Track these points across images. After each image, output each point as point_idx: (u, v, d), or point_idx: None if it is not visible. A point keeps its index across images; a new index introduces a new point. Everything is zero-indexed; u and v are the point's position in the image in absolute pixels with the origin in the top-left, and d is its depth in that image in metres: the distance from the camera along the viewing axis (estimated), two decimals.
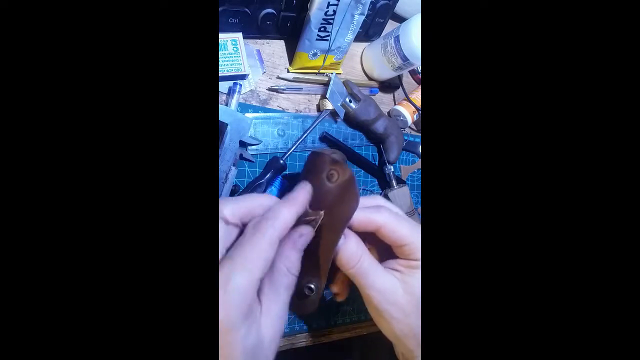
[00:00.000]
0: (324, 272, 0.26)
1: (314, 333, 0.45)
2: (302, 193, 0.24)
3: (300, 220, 0.25)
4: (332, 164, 0.25)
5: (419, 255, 0.24)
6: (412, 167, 0.54)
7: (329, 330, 0.46)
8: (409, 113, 0.50)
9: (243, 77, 0.40)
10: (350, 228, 0.25)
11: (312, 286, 0.26)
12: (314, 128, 0.43)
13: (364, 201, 0.27)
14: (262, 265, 0.20)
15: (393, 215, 0.25)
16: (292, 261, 0.22)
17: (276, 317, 0.20)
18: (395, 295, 0.24)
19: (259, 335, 0.19)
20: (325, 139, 0.45)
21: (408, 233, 0.25)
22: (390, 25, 0.50)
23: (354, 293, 0.48)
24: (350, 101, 0.44)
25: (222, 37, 0.38)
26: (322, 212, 0.24)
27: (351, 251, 0.24)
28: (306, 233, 0.23)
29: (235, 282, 0.18)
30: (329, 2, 0.36)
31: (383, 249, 0.27)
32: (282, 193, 0.41)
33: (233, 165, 0.37)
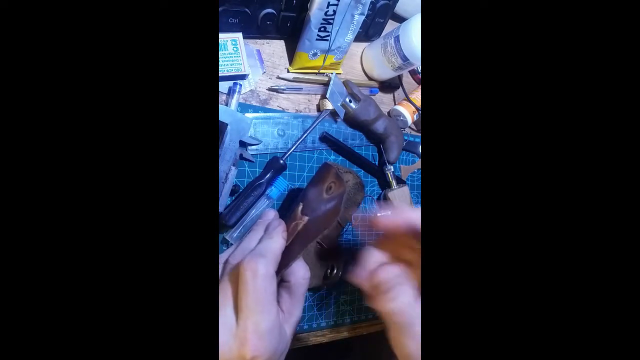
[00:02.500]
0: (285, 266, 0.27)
1: (315, 333, 0.45)
2: (281, 227, 0.28)
3: (288, 224, 0.27)
4: (334, 177, 0.26)
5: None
6: (412, 167, 0.54)
7: (329, 330, 0.46)
8: (409, 113, 0.50)
9: (243, 77, 0.40)
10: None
11: None
12: (314, 128, 0.43)
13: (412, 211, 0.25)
14: (273, 301, 0.23)
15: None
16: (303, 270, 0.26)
17: (294, 324, 0.26)
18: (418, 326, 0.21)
19: (283, 330, 0.24)
20: (325, 139, 0.45)
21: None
22: (390, 25, 0.50)
23: (354, 294, 0.48)
24: (350, 101, 0.44)
25: (222, 37, 0.38)
26: (306, 218, 0.25)
27: (406, 303, 0.21)
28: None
29: (264, 327, 0.22)
30: (329, 2, 0.36)
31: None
32: (282, 194, 0.41)
33: (233, 165, 0.37)
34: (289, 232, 0.27)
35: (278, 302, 0.24)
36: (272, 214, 0.32)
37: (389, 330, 0.22)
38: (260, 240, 0.27)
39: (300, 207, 0.28)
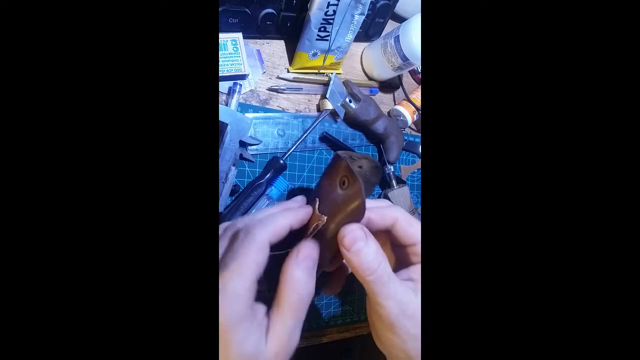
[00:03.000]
0: (341, 279, 0.25)
1: (314, 333, 0.45)
2: (303, 210, 0.25)
3: (304, 225, 0.25)
4: (345, 170, 0.24)
5: None
6: (412, 167, 0.54)
7: (329, 330, 0.46)
8: (409, 113, 0.50)
9: (243, 77, 0.40)
10: (367, 226, 0.24)
11: None
12: (314, 128, 0.43)
13: (374, 202, 0.26)
14: (254, 269, 0.20)
15: (405, 213, 0.25)
16: (297, 280, 0.21)
17: (282, 336, 0.20)
18: (413, 308, 0.22)
19: (260, 346, 0.20)
20: (325, 139, 0.45)
21: (420, 230, 0.24)
22: (390, 25, 0.50)
23: (354, 294, 0.48)
24: (350, 101, 0.44)
25: (222, 37, 0.38)
26: (325, 218, 0.24)
27: (372, 257, 0.22)
28: (303, 248, 0.23)
29: (231, 288, 0.19)
30: (329, 2, 0.36)
31: (393, 258, 0.26)
32: (282, 194, 0.41)
33: (233, 165, 0.37)
34: (308, 231, 0.25)
35: (268, 309, 0.21)
36: (299, 198, 0.28)
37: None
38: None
39: (317, 204, 0.25)
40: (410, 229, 0.24)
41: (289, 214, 0.23)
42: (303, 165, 0.44)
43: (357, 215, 0.22)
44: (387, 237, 0.27)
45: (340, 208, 0.23)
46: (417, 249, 0.24)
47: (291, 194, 0.42)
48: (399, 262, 0.26)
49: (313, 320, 0.44)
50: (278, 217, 0.23)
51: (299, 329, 0.21)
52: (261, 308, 0.21)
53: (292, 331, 0.21)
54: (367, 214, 0.23)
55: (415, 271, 0.24)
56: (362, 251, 0.22)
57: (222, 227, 0.24)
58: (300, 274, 0.22)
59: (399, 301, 0.22)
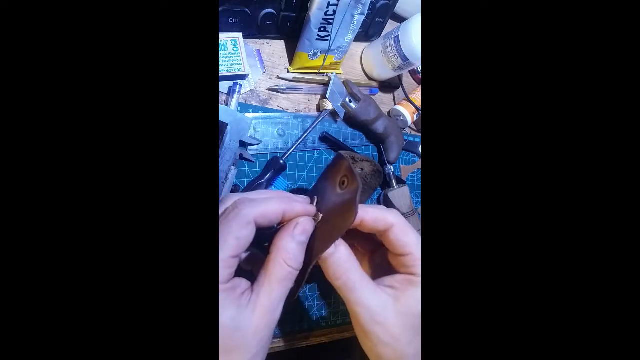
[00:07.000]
0: (302, 276, 0.24)
1: (314, 333, 0.45)
2: (302, 204, 0.24)
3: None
4: (347, 170, 0.24)
5: (419, 270, 0.23)
6: (412, 167, 0.54)
7: (329, 330, 0.46)
8: (409, 113, 0.50)
9: (243, 77, 0.40)
10: (361, 223, 0.23)
11: None
12: (314, 128, 0.43)
13: (371, 208, 0.25)
14: (232, 244, 0.20)
15: (403, 220, 0.24)
16: (289, 252, 0.21)
17: (264, 308, 0.20)
18: (385, 315, 0.22)
19: (240, 320, 0.19)
20: (325, 139, 0.45)
21: (414, 242, 0.23)
22: (390, 25, 0.50)
23: None
24: (350, 101, 0.44)
25: (222, 37, 0.38)
26: (320, 215, 0.24)
27: (341, 261, 0.22)
28: (303, 222, 0.22)
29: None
30: (329, 2, 0.36)
31: (377, 266, 0.25)
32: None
33: (233, 165, 0.37)
34: (304, 223, 0.24)
35: (254, 280, 0.21)
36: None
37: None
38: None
39: (315, 201, 0.25)
40: (405, 238, 0.23)
41: (285, 201, 0.23)
42: (303, 165, 0.44)
43: (350, 216, 0.22)
44: (372, 244, 0.26)
45: (337, 208, 0.23)
46: (408, 259, 0.23)
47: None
48: (385, 269, 0.25)
49: (313, 321, 0.44)
50: (272, 200, 0.22)
51: (282, 304, 0.21)
52: (242, 283, 0.21)
53: (277, 305, 0.21)
54: (361, 214, 0.23)
55: (398, 280, 0.23)
56: (331, 257, 0.22)
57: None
58: (294, 246, 0.21)
59: (368, 308, 0.22)
